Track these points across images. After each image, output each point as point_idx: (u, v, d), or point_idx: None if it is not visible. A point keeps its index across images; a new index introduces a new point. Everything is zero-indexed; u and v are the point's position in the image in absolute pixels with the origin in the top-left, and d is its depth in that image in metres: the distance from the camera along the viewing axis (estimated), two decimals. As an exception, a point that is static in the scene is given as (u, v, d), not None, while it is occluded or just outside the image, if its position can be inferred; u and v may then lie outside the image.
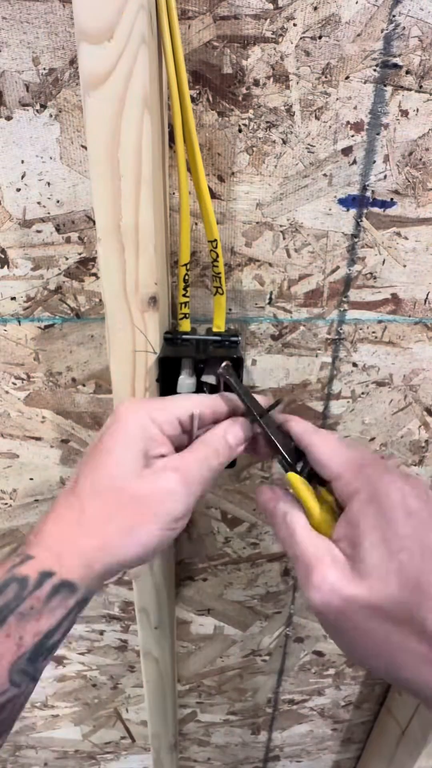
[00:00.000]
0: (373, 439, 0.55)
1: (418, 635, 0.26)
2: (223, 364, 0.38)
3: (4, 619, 0.27)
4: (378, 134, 0.40)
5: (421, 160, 0.41)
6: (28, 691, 0.28)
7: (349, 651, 0.30)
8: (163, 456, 0.33)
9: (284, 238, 0.44)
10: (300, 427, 0.35)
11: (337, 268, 0.45)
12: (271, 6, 0.36)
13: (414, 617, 0.26)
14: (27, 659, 0.27)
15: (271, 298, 0.46)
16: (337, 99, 0.39)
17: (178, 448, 0.34)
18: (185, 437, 0.35)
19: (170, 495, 0.31)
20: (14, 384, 0.49)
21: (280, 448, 0.35)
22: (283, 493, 0.35)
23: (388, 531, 0.28)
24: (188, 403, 0.35)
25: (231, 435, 0.35)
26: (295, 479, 0.34)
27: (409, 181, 0.42)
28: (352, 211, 0.43)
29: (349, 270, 0.46)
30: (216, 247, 0.39)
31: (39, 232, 0.43)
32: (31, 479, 0.55)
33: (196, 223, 0.43)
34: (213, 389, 0.41)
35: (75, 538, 0.30)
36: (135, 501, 0.31)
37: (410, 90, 0.39)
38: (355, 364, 0.50)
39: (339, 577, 0.28)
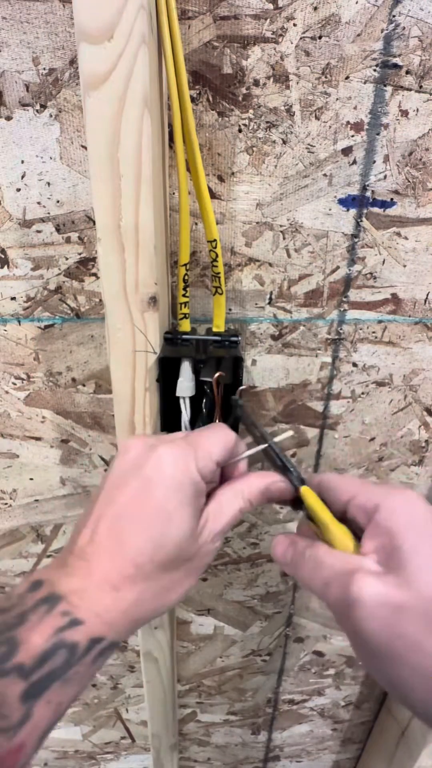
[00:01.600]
0: (373, 439, 0.55)
1: None
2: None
3: (48, 687, 0.24)
4: (378, 134, 0.40)
5: (421, 160, 0.41)
6: None
7: (396, 678, 0.26)
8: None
9: (284, 238, 0.44)
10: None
11: (337, 268, 0.45)
12: (271, 6, 0.36)
13: None
14: (55, 722, 0.25)
15: (271, 298, 0.46)
16: (337, 99, 0.39)
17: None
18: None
19: (213, 553, 0.33)
20: (14, 384, 0.49)
21: (290, 466, 0.34)
22: (297, 536, 0.33)
23: (425, 534, 0.27)
24: (222, 444, 0.33)
25: (255, 497, 0.34)
26: (309, 493, 0.32)
27: (409, 181, 0.42)
28: (352, 211, 0.43)
29: (349, 270, 0.46)
30: (216, 247, 0.39)
31: (39, 232, 0.43)
32: (31, 479, 0.55)
33: (196, 223, 0.43)
34: (212, 388, 0.41)
35: (130, 608, 0.28)
36: (191, 567, 0.31)
37: (410, 90, 0.39)
38: (355, 364, 0.50)
39: (382, 586, 0.26)
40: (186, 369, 0.41)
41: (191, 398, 0.42)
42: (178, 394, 0.41)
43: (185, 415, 0.42)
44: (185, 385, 0.41)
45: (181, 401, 0.42)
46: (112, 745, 0.85)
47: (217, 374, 0.40)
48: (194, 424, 0.43)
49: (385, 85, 0.38)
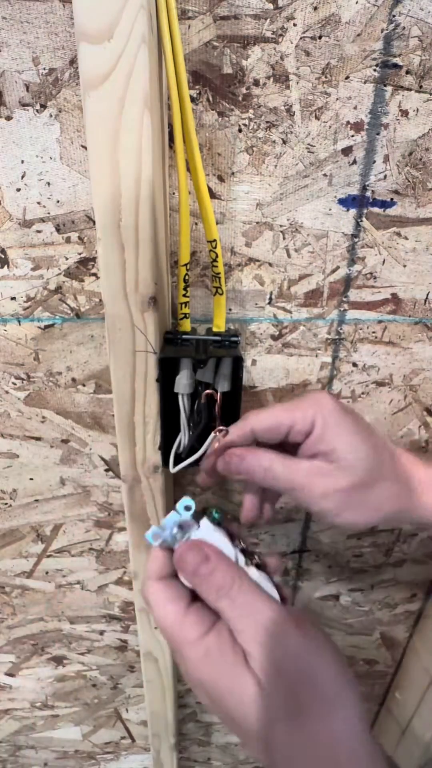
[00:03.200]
0: (373, 439, 0.55)
1: None
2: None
3: None
4: (378, 134, 0.40)
5: (421, 160, 0.41)
6: None
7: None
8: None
9: (284, 238, 0.44)
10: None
11: (337, 268, 0.45)
12: (271, 6, 0.36)
13: None
14: None
15: (271, 298, 0.46)
16: (337, 99, 0.39)
17: None
18: None
19: None
20: (14, 384, 0.49)
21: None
22: (249, 450, 0.38)
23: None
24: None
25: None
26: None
27: (409, 181, 0.42)
28: (352, 211, 0.43)
29: (349, 270, 0.46)
30: (216, 247, 0.39)
31: (39, 232, 0.43)
32: (31, 479, 0.55)
33: (196, 223, 0.43)
34: (207, 387, 0.42)
35: None
36: None
37: (410, 90, 0.39)
38: (355, 364, 0.50)
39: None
40: (185, 366, 0.41)
41: (190, 396, 0.43)
42: (176, 390, 0.42)
43: (184, 413, 0.43)
44: (184, 382, 0.41)
45: (180, 397, 0.42)
46: (112, 745, 0.85)
47: (205, 392, 0.42)
48: (191, 422, 0.43)
49: (385, 85, 0.38)
